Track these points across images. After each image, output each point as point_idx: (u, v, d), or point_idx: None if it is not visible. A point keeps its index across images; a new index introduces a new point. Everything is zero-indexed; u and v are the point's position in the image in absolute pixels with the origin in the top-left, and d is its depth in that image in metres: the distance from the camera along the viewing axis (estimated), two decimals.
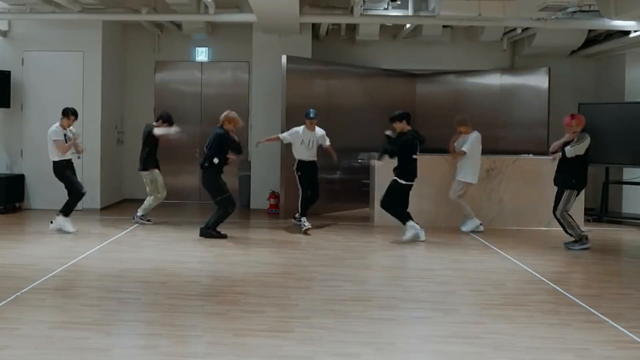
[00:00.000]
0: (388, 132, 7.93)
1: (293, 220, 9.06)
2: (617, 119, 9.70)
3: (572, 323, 4.74)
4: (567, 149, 7.51)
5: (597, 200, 10.39)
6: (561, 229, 7.75)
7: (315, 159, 8.73)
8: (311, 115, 8.54)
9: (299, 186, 8.70)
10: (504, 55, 11.63)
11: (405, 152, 7.79)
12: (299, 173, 8.66)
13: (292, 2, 8.18)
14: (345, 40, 11.41)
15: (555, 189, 7.72)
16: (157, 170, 8.80)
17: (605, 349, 4.23)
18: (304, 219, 8.56)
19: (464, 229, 8.68)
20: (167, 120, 8.81)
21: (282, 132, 9.03)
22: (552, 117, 10.26)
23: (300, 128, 8.63)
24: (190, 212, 10.30)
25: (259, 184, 10.63)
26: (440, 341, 4.33)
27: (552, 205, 7.72)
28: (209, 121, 9.90)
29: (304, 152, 8.65)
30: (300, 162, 8.66)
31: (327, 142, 8.75)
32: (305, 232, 8.35)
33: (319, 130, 8.70)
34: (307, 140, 8.58)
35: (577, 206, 8.00)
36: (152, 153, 8.75)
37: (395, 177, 7.84)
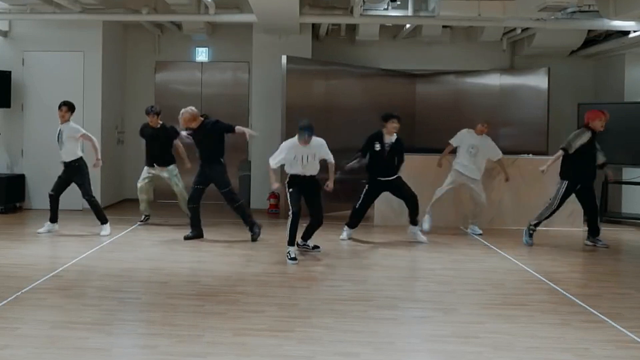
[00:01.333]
0: (377, 147, 7.71)
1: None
2: (616, 119, 9.64)
3: (572, 323, 4.76)
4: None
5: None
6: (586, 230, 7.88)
7: (314, 173, 7.00)
8: (306, 135, 6.75)
9: (289, 205, 6.85)
10: (503, 56, 11.63)
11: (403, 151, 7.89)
12: (291, 189, 6.90)
13: (292, 2, 8.19)
14: (345, 41, 11.42)
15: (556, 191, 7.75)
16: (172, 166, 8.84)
17: (605, 348, 4.24)
18: (291, 249, 6.76)
19: (469, 231, 8.69)
20: (150, 112, 8.91)
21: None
22: (551, 117, 10.27)
23: (290, 142, 6.97)
24: None
25: (259, 184, 10.63)
26: (439, 341, 4.34)
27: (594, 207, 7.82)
28: None
29: (298, 168, 6.92)
30: (294, 176, 6.95)
31: (330, 158, 7.09)
32: (291, 257, 6.69)
33: (316, 141, 6.95)
34: (301, 155, 6.85)
35: (578, 206, 8.02)
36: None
37: (399, 175, 7.90)
